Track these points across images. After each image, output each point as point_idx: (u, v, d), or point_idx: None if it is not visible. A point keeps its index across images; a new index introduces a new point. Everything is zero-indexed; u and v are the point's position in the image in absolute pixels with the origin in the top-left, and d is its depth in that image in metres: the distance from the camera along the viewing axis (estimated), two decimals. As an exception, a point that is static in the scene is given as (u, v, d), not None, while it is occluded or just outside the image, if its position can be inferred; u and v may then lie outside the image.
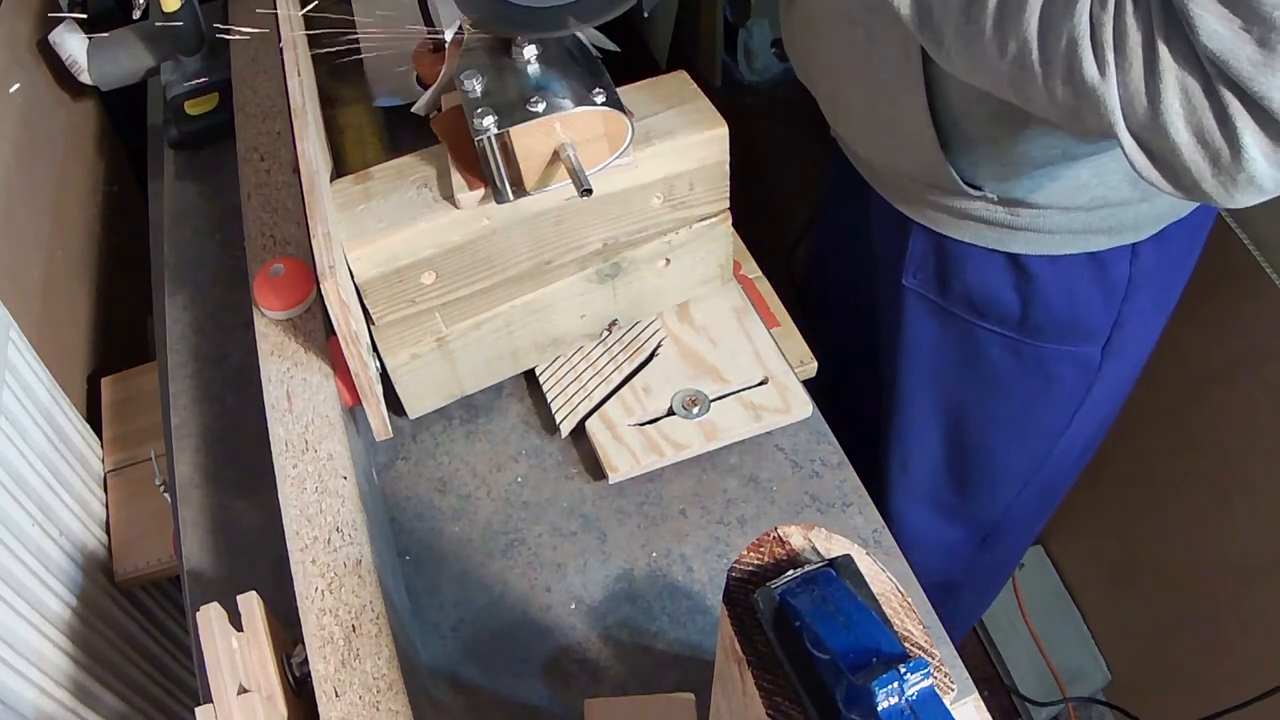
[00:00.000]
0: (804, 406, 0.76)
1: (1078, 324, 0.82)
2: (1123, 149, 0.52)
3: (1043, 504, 1.08)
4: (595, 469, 0.76)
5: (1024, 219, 0.75)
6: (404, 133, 0.92)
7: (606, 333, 0.81)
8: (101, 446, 1.16)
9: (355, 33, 0.83)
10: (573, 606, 0.70)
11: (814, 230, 1.12)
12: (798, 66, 0.83)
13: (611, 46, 0.85)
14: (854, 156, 0.86)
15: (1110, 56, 0.49)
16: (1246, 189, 0.50)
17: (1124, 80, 0.49)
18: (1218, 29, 0.45)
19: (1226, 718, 1.11)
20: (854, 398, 1.07)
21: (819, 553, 0.40)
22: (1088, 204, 0.72)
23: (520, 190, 0.64)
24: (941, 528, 1.07)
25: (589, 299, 0.76)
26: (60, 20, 1.09)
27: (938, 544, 1.08)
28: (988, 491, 1.01)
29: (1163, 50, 0.48)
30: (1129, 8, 0.48)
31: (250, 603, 0.58)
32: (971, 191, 0.74)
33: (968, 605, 1.30)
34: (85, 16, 1.10)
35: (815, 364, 0.84)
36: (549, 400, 0.78)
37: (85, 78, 1.09)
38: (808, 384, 0.80)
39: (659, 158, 0.68)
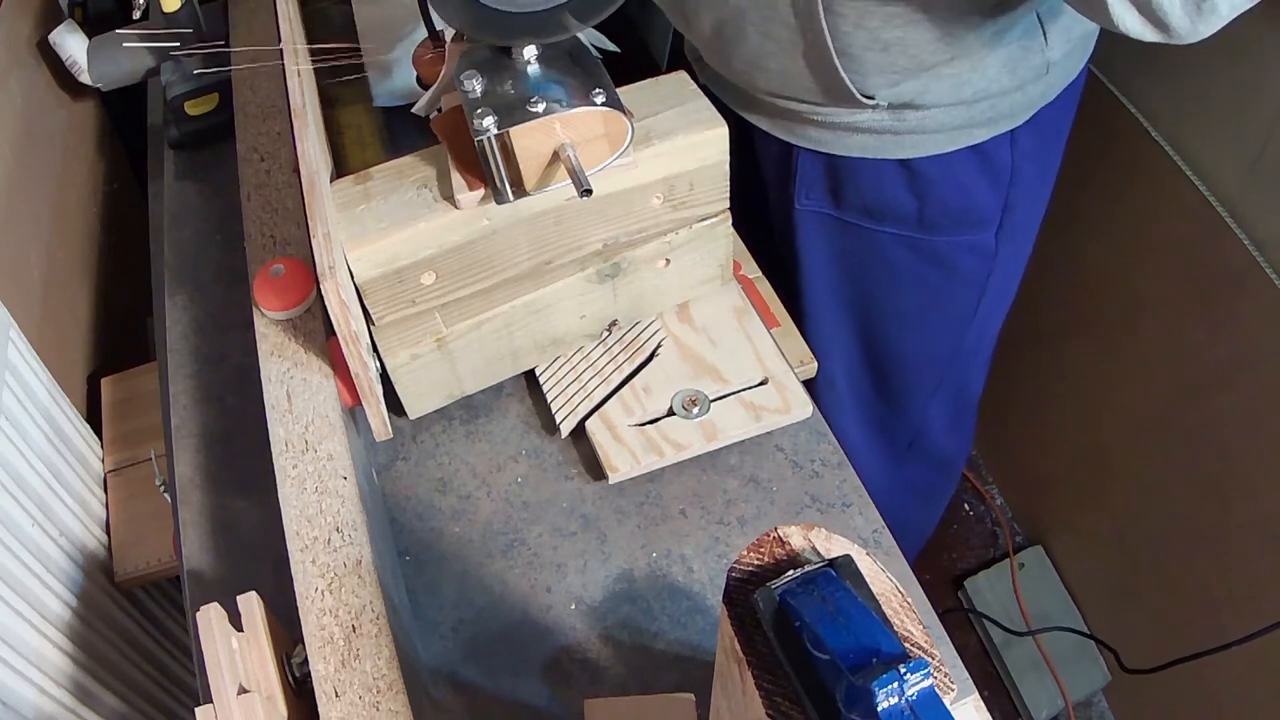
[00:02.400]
0: (804, 406, 0.76)
1: (971, 213, 0.87)
2: (1109, 10, 0.57)
3: (959, 405, 1.13)
4: (595, 469, 0.76)
5: (910, 122, 0.78)
6: (404, 133, 0.92)
7: (606, 333, 0.81)
8: (101, 446, 1.16)
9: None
10: (573, 606, 0.70)
11: None
12: (672, 8, 0.84)
13: (611, 47, 0.85)
14: (729, 94, 0.88)
15: None
16: (1210, 18, 0.56)
17: None
18: None
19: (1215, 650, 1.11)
20: None
21: (819, 553, 0.40)
22: (970, 98, 0.76)
23: (520, 191, 0.64)
24: (873, 439, 1.11)
25: (589, 299, 0.76)
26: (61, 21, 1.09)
27: (874, 457, 1.13)
28: (906, 391, 1.05)
29: None
30: None
31: (250, 603, 0.58)
32: (865, 101, 0.76)
33: (916, 520, 1.35)
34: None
35: (815, 364, 0.84)
36: (549, 400, 0.78)
37: (85, 78, 1.09)
38: (807, 383, 0.80)
39: (659, 158, 0.68)
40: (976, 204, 0.86)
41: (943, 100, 0.77)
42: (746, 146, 0.92)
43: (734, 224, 0.77)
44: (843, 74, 0.74)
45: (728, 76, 0.85)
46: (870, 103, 0.77)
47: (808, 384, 0.80)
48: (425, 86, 0.91)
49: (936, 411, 1.10)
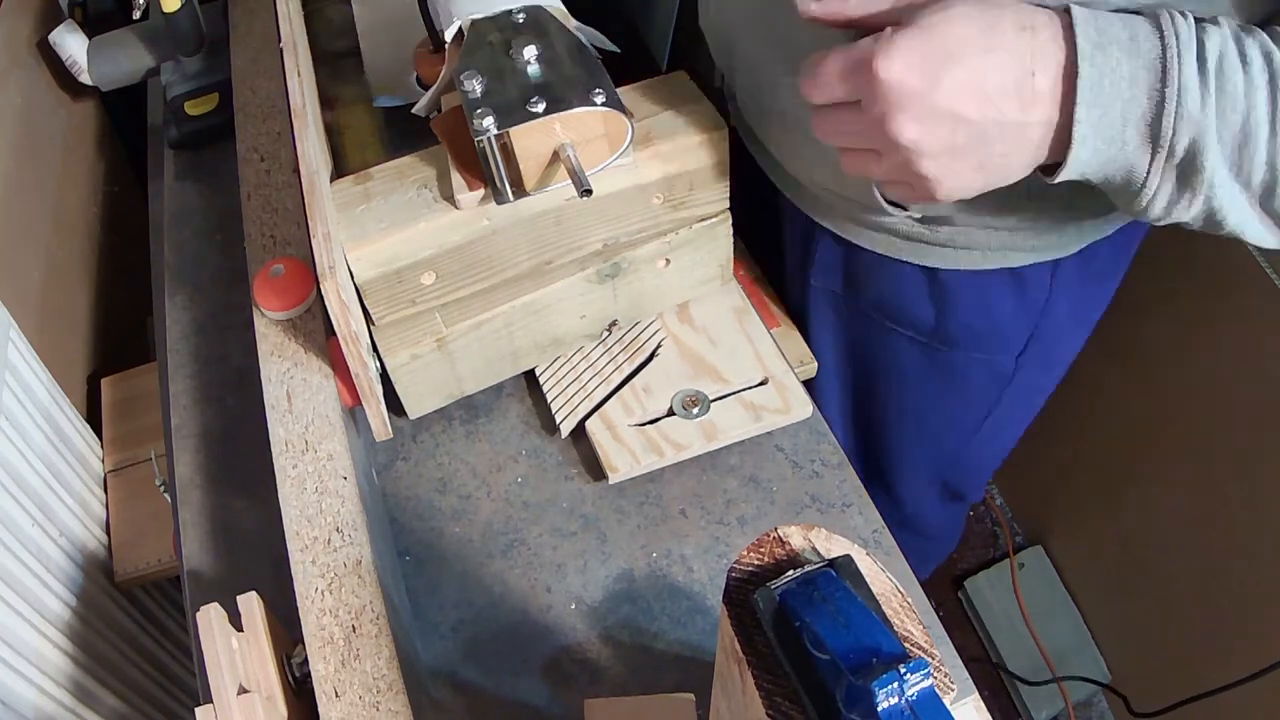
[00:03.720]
0: (804, 406, 0.76)
1: (992, 334, 0.80)
2: (1244, 236, 0.53)
3: (952, 511, 1.09)
4: (595, 469, 0.76)
5: (943, 235, 0.71)
6: (404, 133, 0.92)
7: (606, 333, 0.81)
8: (101, 446, 1.16)
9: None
10: (573, 606, 0.70)
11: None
12: (717, 51, 0.78)
13: (611, 47, 0.85)
14: (762, 155, 0.82)
15: None
16: None
17: None
18: None
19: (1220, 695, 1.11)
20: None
21: (819, 553, 0.40)
22: (1015, 224, 0.69)
23: (520, 191, 0.64)
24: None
25: (589, 299, 0.76)
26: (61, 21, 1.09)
27: None
28: (900, 481, 1.01)
29: None
30: None
31: (250, 603, 0.58)
32: (893, 210, 0.69)
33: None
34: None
35: (815, 364, 0.84)
36: (549, 400, 0.78)
37: (85, 78, 1.09)
38: (807, 384, 0.80)
39: (659, 158, 0.68)
40: (999, 327, 0.79)
41: (982, 221, 0.69)
42: (772, 216, 0.88)
43: (734, 225, 0.77)
44: (875, 185, 0.67)
45: (764, 142, 0.79)
46: (901, 213, 0.70)
47: (807, 385, 0.80)
48: (425, 86, 0.91)
49: (930, 504, 1.05)
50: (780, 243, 0.89)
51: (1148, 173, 0.52)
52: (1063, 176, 0.53)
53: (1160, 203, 0.53)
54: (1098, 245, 0.75)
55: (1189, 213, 0.53)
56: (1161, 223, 0.55)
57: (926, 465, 0.98)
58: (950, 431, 0.92)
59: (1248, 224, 0.54)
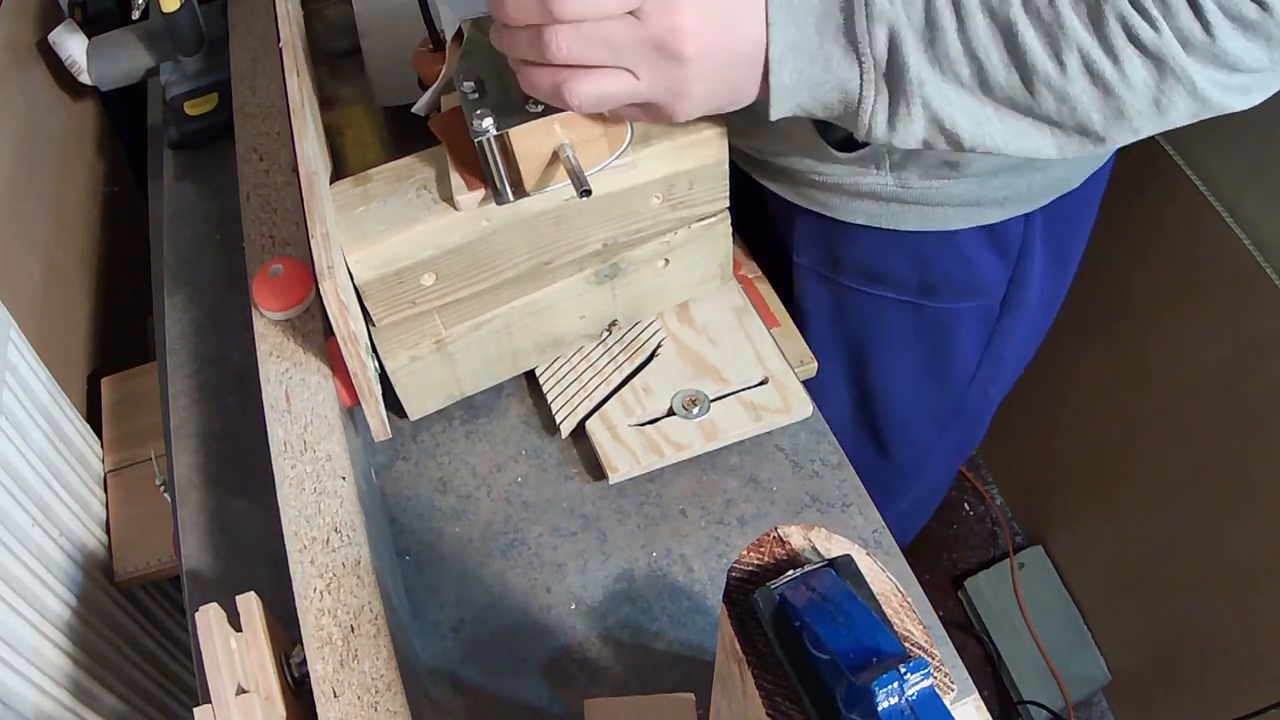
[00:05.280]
0: (804, 406, 0.76)
1: (974, 284, 0.83)
2: (1195, 86, 0.51)
3: (960, 451, 1.11)
4: (595, 469, 0.76)
5: (916, 190, 0.73)
6: (404, 133, 0.92)
7: (606, 333, 0.81)
8: (101, 446, 1.16)
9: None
10: (573, 606, 0.70)
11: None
12: None
13: None
14: (738, 153, 0.83)
15: (1154, 9, 0.49)
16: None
17: (1175, 26, 0.49)
18: None
19: None
20: None
21: (819, 553, 0.40)
22: (983, 170, 0.71)
23: (520, 191, 0.64)
24: (865, 480, 1.08)
25: (589, 300, 0.76)
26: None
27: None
28: (901, 444, 1.03)
29: None
30: None
31: (249, 603, 0.58)
32: (843, 157, 0.70)
33: (907, 520, 1.33)
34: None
35: (815, 364, 0.84)
36: (549, 400, 0.78)
37: (85, 78, 1.09)
38: (807, 383, 0.80)
39: (658, 158, 0.68)
40: (981, 275, 0.82)
41: (952, 170, 0.72)
42: (758, 202, 0.89)
43: (733, 224, 0.77)
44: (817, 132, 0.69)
45: (738, 136, 0.80)
46: (841, 155, 0.71)
47: (807, 384, 0.80)
48: (425, 86, 0.91)
49: (932, 463, 1.08)
50: (767, 234, 0.92)
51: (861, 86, 0.53)
52: (775, 106, 0.55)
53: (881, 118, 0.54)
54: (1062, 200, 0.76)
55: (916, 125, 0.54)
56: (896, 144, 0.56)
57: (926, 423, 1.00)
58: (945, 385, 0.95)
59: (988, 126, 0.54)
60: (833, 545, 0.40)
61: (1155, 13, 0.49)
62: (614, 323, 0.80)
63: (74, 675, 0.95)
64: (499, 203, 0.64)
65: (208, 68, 1.00)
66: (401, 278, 0.66)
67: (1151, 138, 0.56)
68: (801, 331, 0.92)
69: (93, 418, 1.18)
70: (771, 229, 0.90)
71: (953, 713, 0.33)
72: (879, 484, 1.11)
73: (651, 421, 0.76)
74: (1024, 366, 1.00)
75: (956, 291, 0.83)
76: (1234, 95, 0.53)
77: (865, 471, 1.07)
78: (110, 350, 1.29)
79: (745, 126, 0.76)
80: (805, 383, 0.80)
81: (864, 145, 0.71)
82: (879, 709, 0.32)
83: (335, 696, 0.53)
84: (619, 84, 0.54)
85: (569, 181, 0.61)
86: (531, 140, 0.60)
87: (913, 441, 1.03)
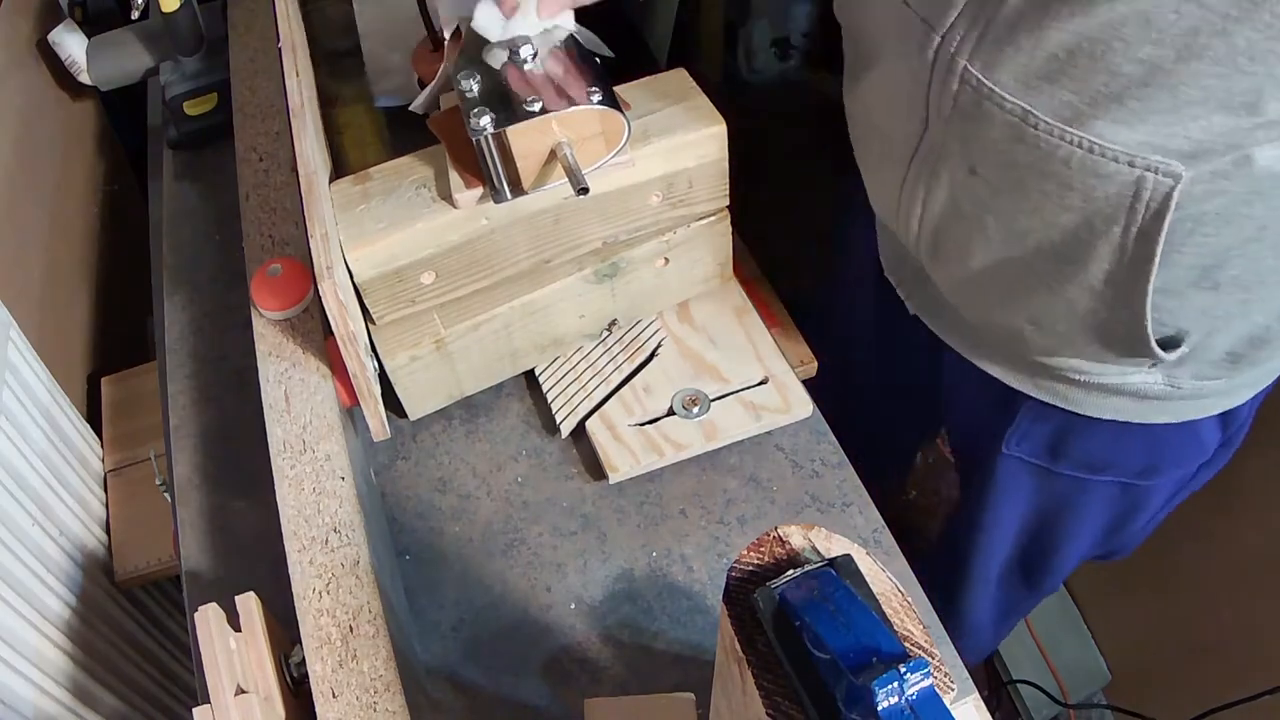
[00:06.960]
0: (804, 406, 0.76)
1: (1197, 459, 0.78)
2: None
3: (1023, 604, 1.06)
4: (595, 469, 0.75)
5: (1186, 389, 0.65)
6: (404, 133, 0.92)
7: (606, 333, 0.80)
8: (101, 446, 1.16)
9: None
10: (573, 606, 0.70)
11: (829, 343, 0.87)
12: (887, 210, 0.70)
13: (606, 52, 0.85)
14: (943, 320, 0.75)
15: None
16: None
17: None
18: None
19: (1225, 713, 1.11)
20: (858, 399, 1.04)
21: (819, 553, 0.40)
22: (1265, 360, 0.64)
23: (518, 189, 0.64)
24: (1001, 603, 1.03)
25: (588, 299, 0.76)
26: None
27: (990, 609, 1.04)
28: (1053, 579, 0.97)
29: None
30: None
31: (248, 603, 0.57)
32: (1159, 354, 0.60)
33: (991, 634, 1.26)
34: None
35: (815, 364, 0.84)
36: (549, 400, 0.78)
37: (85, 78, 1.09)
38: (807, 383, 0.80)
39: (657, 156, 0.68)
40: (1206, 450, 0.76)
41: (1209, 370, 0.63)
42: (931, 370, 0.82)
43: (742, 224, 0.77)
44: (1148, 320, 0.58)
45: (957, 305, 0.71)
46: (1166, 355, 0.61)
47: (807, 384, 0.80)
48: (424, 86, 0.91)
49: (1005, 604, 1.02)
50: (926, 401, 0.86)
51: None
52: None
53: None
54: None
55: None
56: None
57: (1084, 558, 0.93)
58: (1119, 535, 0.88)
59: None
60: (833, 545, 0.40)
61: None
62: (614, 322, 0.80)
63: (74, 675, 0.95)
64: (497, 201, 0.64)
65: (207, 68, 1.00)
66: (401, 276, 0.66)
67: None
68: (986, 520, 0.86)
69: (93, 418, 1.18)
70: (976, 411, 0.80)
71: (953, 713, 0.33)
72: (1016, 609, 1.05)
73: (651, 421, 0.76)
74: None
75: (1176, 466, 0.78)
76: None
77: (1008, 601, 0.99)
78: (110, 350, 1.29)
79: (1004, 317, 0.66)
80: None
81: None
82: (879, 709, 0.32)
83: (334, 696, 0.53)
84: None
85: (567, 179, 0.61)
86: (529, 138, 0.60)
87: (1058, 577, 0.97)
